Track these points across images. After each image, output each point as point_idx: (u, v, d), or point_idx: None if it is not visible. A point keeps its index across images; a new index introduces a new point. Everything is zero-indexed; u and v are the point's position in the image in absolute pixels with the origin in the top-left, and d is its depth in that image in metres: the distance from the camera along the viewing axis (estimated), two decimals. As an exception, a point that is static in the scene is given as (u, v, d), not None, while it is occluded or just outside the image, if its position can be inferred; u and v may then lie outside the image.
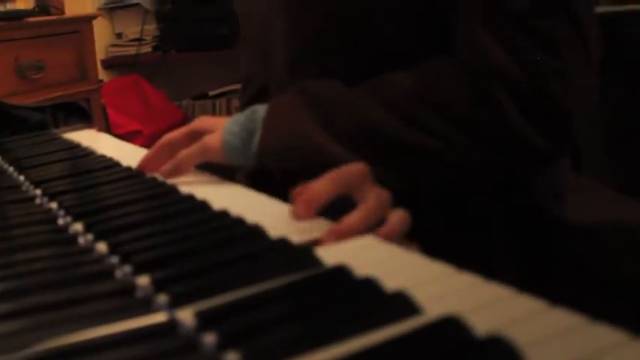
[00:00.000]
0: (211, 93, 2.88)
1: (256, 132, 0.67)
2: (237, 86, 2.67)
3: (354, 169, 0.51)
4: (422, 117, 0.61)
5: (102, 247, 0.50)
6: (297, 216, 0.50)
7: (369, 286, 0.37)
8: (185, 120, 2.73)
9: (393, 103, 0.62)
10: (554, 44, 0.59)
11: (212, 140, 0.67)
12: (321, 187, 0.50)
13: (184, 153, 0.67)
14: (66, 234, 0.54)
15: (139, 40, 2.83)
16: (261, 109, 0.68)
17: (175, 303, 0.38)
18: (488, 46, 0.60)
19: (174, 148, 0.70)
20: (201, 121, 0.72)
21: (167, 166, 0.68)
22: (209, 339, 0.34)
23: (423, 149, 0.61)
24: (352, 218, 0.47)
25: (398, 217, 0.48)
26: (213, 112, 2.83)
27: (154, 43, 2.84)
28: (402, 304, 0.34)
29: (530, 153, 0.61)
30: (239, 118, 0.69)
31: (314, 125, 0.63)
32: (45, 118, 1.21)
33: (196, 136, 0.70)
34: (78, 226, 0.55)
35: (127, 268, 0.44)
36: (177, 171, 0.67)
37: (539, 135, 0.60)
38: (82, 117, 1.25)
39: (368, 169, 0.51)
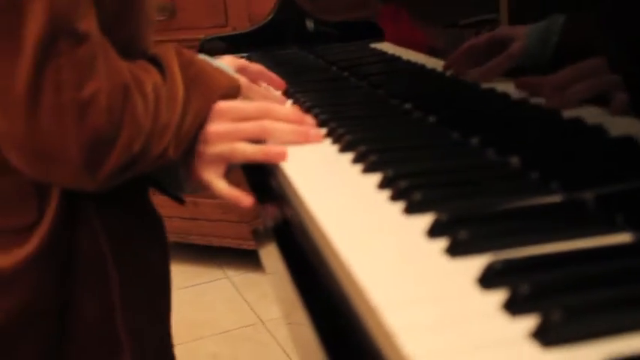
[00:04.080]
0: (462, 22, 2.95)
1: (554, 34, 0.79)
2: (488, 16, 2.71)
3: None
4: None
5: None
6: None
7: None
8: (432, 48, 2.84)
9: None
10: None
11: (516, 47, 0.81)
12: None
13: (495, 61, 0.82)
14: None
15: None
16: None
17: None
18: None
19: (474, 51, 0.84)
20: (501, 29, 0.86)
21: (480, 70, 0.83)
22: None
23: None
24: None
25: None
26: (462, 42, 2.89)
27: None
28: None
29: None
30: (541, 23, 0.81)
31: None
32: (343, 33, 1.44)
33: (495, 43, 0.84)
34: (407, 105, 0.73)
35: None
36: (486, 75, 0.83)
37: None
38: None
39: None
